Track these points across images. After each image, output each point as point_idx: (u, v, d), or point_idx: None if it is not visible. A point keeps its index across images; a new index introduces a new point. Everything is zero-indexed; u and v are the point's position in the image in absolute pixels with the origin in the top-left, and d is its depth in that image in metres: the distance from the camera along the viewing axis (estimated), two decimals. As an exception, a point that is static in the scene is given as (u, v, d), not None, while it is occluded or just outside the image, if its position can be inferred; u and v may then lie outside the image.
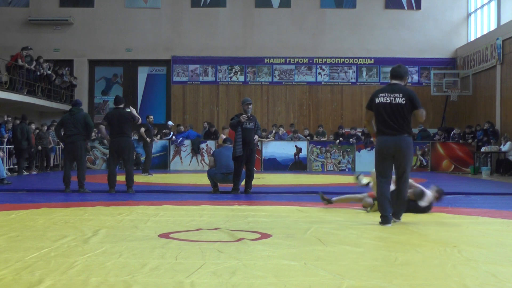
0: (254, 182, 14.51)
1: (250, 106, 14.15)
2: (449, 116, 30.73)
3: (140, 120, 14.71)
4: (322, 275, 5.08)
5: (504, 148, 24.17)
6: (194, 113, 31.48)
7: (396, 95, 8.61)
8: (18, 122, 22.07)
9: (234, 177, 14.02)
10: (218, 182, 14.29)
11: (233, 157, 13.94)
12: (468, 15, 31.82)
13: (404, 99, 8.57)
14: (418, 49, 31.73)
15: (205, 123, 28.81)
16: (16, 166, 22.61)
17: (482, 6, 30.05)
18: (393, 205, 8.61)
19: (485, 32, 29.13)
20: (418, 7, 31.93)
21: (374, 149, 8.94)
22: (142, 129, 21.74)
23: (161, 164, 27.31)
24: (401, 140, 8.56)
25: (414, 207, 9.76)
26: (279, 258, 5.83)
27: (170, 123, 28.54)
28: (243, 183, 14.17)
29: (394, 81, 8.84)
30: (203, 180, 16.76)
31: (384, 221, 8.44)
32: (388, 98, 8.63)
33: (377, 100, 8.72)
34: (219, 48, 31.74)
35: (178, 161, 27.41)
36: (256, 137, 14.23)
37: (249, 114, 14.04)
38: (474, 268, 5.48)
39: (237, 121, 13.90)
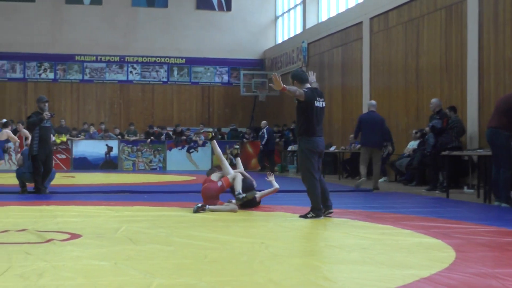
0: (63, 181, 14.24)
1: (47, 104, 13.91)
2: (258, 116, 31.48)
3: None
4: (132, 274, 5.10)
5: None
6: (1, 112, 30.23)
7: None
8: None
9: (35, 176, 13.63)
10: (26, 182, 13.89)
11: (31, 156, 13.57)
12: (276, 18, 32.83)
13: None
14: (228, 50, 32.33)
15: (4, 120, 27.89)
16: None
17: (289, 10, 31.07)
18: None
19: (292, 35, 30.17)
20: (228, 8, 32.53)
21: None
22: None
23: (-36, 164, 26.06)
24: None
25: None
26: (89, 258, 5.78)
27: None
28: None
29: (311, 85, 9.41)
30: (11, 180, 16.20)
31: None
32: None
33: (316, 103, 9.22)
34: (27, 44, 30.70)
35: (-18, 160, 26.24)
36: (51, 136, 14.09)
37: (49, 112, 13.77)
38: (279, 263, 5.70)
39: (39, 118, 13.55)
